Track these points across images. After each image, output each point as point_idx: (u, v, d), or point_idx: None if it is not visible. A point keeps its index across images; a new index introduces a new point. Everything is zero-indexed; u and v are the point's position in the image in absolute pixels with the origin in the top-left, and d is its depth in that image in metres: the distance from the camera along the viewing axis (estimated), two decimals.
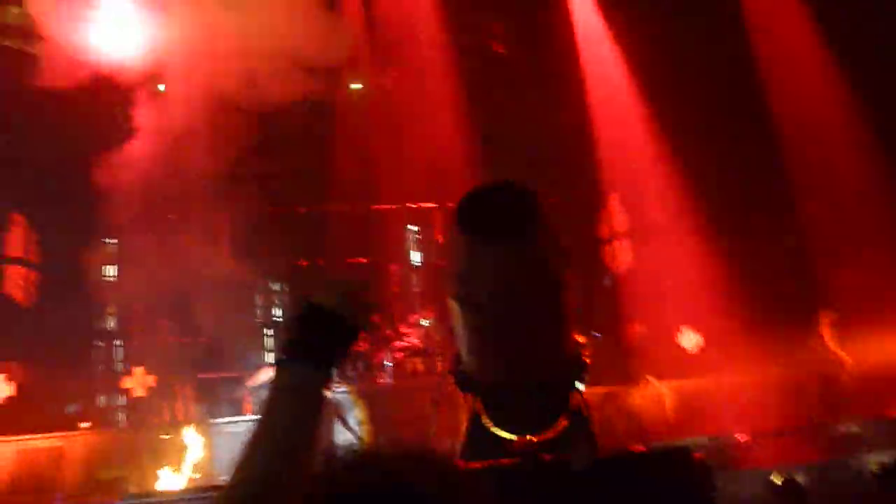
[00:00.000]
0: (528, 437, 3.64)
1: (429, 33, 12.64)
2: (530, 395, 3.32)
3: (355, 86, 13.42)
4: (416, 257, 14.46)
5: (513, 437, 3.59)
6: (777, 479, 4.59)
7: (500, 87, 12.77)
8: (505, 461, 3.42)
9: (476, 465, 3.35)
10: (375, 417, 9.04)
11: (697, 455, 3.32)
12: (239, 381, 10.64)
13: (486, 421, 3.61)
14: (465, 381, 3.62)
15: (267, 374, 8.55)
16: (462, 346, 3.02)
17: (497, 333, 2.72)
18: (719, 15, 12.14)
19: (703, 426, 9.32)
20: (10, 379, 9.94)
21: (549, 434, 3.57)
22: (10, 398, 9.79)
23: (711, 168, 11.90)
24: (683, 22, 12.47)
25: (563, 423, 3.58)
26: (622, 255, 14.30)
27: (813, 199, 11.10)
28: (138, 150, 10.78)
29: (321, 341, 1.43)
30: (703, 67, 12.08)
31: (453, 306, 2.64)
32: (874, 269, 9.77)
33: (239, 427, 9.44)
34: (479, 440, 3.67)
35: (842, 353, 9.87)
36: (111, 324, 12.50)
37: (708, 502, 3.17)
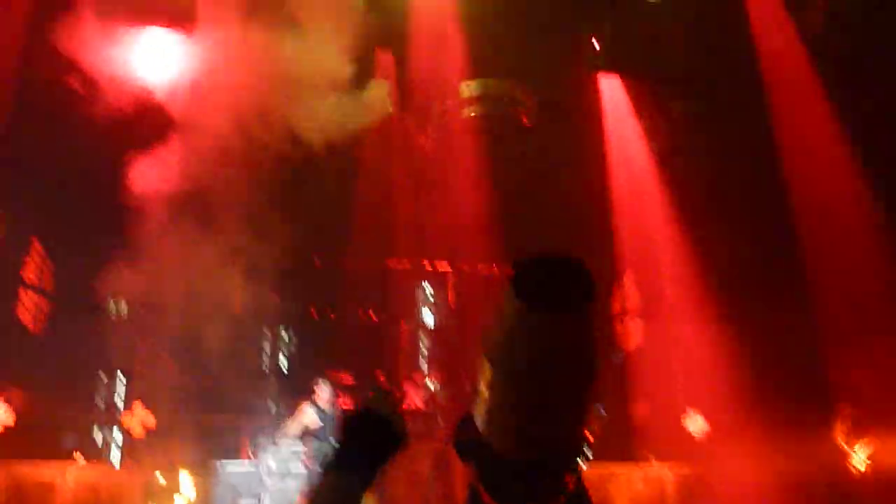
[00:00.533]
0: None
1: (455, 99, 12.87)
2: (532, 471, 3.27)
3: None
4: (428, 318, 14.40)
5: None
6: None
7: (524, 156, 12.89)
8: None
9: None
10: None
11: None
12: (239, 427, 10.52)
13: (484, 495, 3.55)
14: (466, 450, 3.57)
15: (308, 417, 8.43)
16: (480, 410, 2.97)
17: (526, 403, 2.68)
18: (742, 100, 12.29)
19: None
20: (8, 404, 9.89)
21: None
22: (6, 424, 9.71)
23: (727, 252, 11.90)
24: (706, 106, 12.65)
25: (561, 500, 3.52)
26: (632, 333, 14.23)
27: (830, 290, 11.02)
28: (159, 185, 10.92)
29: (366, 450, 1.53)
30: (722, 151, 12.20)
31: (485, 366, 2.62)
32: (892, 362, 9.55)
33: (236, 471, 9.26)
34: None
35: (855, 451, 9.63)
36: (116, 358, 12.43)
37: None
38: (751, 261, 11.72)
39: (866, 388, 9.63)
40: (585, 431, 3.29)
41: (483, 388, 3.13)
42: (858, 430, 9.63)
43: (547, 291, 2.47)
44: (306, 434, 8.43)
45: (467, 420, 3.68)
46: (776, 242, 11.70)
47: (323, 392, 8.57)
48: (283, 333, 13.67)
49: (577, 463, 3.60)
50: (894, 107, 10.44)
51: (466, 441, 3.75)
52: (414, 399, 10.91)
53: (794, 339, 11.00)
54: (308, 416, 8.41)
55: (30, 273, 12.74)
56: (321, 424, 8.35)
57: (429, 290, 14.53)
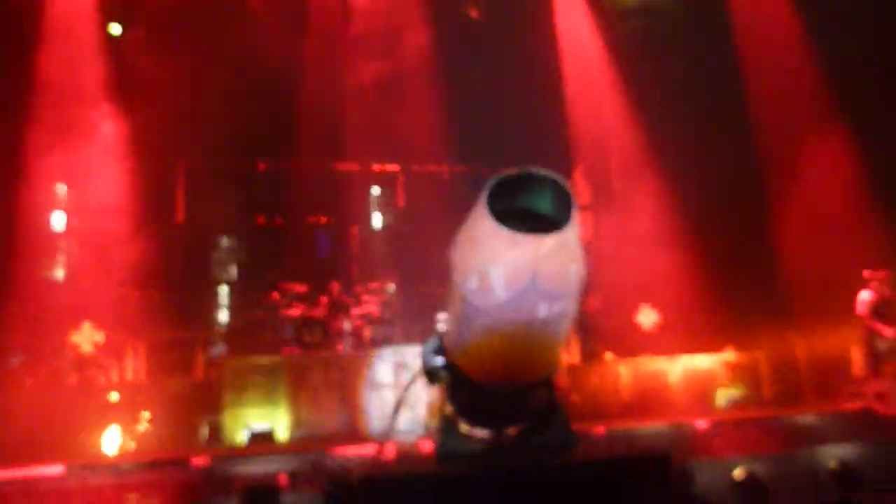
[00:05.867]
0: (498, 432, 3.52)
1: None
2: (503, 393, 3.19)
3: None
4: (377, 220, 14.18)
5: (484, 432, 3.48)
6: (739, 475, 4.56)
7: (474, 52, 12.47)
8: (476, 462, 3.31)
9: (448, 466, 3.23)
10: (332, 384, 8.90)
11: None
12: (191, 342, 10.31)
13: (456, 417, 3.48)
14: (434, 374, 3.46)
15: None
16: (450, 337, 2.86)
17: (503, 332, 2.52)
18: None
19: (659, 408, 9.35)
20: None
21: (521, 428, 3.46)
22: None
23: (683, 144, 11.83)
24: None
25: (534, 416, 3.47)
26: (584, 228, 14.25)
27: (785, 189, 11.07)
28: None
29: None
30: (680, 43, 11.96)
31: (456, 295, 2.47)
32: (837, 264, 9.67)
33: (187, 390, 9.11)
34: (450, 435, 3.54)
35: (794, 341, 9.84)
36: (60, 274, 12.01)
37: None
38: (709, 154, 11.66)
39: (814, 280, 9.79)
40: (561, 353, 3.13)
41: (454, 316, 2.92)
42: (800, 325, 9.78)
43: (526, 209, 2.28)
44: None
45: (435, 343, 3.46)
46: (735, 136, 11.62)
47: None
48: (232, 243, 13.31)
49: (549, 382, 3.44)
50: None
51: (435, 365, 3.54)
52: (368, 305, 10.79)
53: (747, 234, 11.11)
54: None
55: None
56: None
57: (378, 191, 14.26)
